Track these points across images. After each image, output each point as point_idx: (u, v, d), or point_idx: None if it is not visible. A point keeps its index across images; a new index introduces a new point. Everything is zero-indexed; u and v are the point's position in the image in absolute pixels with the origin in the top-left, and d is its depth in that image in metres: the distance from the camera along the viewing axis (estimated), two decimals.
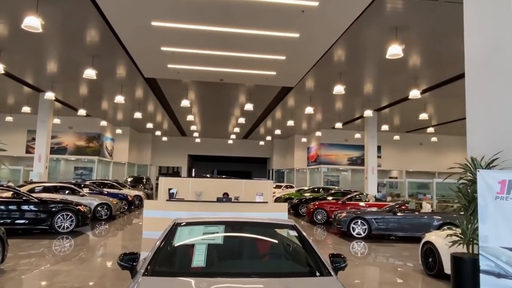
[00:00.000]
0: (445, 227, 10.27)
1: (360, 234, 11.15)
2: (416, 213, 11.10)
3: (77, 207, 10.90)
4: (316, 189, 21.72)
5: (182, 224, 4.12)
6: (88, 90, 17.51)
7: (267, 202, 11.53)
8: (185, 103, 16.39)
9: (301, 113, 21.34)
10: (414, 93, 13.75)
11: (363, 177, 28.30)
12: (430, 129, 23.13)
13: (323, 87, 15.78)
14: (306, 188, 24.69)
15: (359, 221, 11.17)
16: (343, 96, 17.05)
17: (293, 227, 4.02)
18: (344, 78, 13.71)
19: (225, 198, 11.34)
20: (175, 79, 14.74)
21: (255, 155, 36.48)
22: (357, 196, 15.23)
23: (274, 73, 11.89)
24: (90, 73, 12.32)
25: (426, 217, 10.73)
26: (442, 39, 10.11)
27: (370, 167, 20.65)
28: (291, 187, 27.47)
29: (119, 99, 16.17)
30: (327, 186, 23.61)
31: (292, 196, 20.09)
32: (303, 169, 31.44)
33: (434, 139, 26.84)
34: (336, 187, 22.70)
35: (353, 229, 11.22)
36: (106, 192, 16.40)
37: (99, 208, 13.85)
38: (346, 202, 14.52)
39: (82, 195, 13.69)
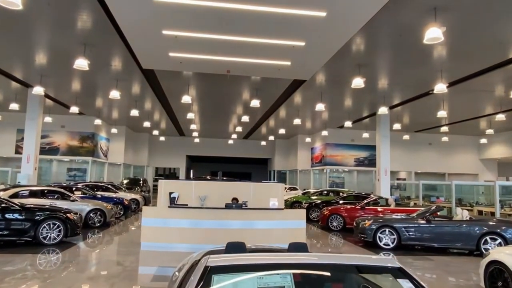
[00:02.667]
0: (488, 237, 9.03)
1: (388, 245, 9.85)
2: (453, 221, 9.80)
3: (66, 215, 9.52)
4: (325, 192, 20.44)
5: (218, 270, 2.47)
6: (80, 84, 16.11)
7: (282, 209, 10.23)
8: (186, 99, 15.03)
9: (309, 110, 20.07)
10: (440, 87, 12.49)
11: (370, 179, 27.19)
12: (444, 128, 21.90)
13: (337, 82, 14.51)
14: (312, 190, 23.46)
15: (387, 230, 9.88)
16: (357, 91, 15.79)
17: (402, 272, 2.63)
18: (363, 71, 12.43)
19: (234, 204, 10.01)
20: (176, 71, 13.40)
21: (256, 155, 35.17)
22: (377, 200, 13.92)
23: (288, 63, 10.57)
24: (81, 63, 10.95)
25: (465, 225, 9.43)
26: (485, 23, 8.85)
27: (382, 168, 19.38)
28: (295, 189, 26.19)
29: (114, 94, 14.79)
30: (337, 189, 22.32)
31: (300, 200, 18.78)
32: (306, 170, 30.16)
33: (445, 138, 25.64)
34: (346, 190, 21.42)
35: (380, 239, 9.93)
36: (99, 196, 15.01)
37: (91, 215, 12.48)
38: (365, 207, 13.21)
39: (73, 200, 12.30)
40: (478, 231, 9.22)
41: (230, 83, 14.98)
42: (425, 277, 7.31)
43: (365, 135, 24.13)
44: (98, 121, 22.39)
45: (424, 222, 9.70)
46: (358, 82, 12.11)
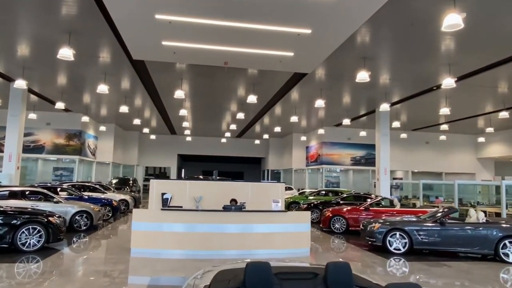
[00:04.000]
0: (507, 241, 8.39)
1: (399, 250, 9.16)
2: (468, 223, 9.14)
3: (48, 218, 8.64)
4: (323, 192, 19.77)
5: None
6: (66, 78, 15.15)
7: (286, 211, 9.47)
8: (178, 94, 14.18)
9: (306, 107, 19.36)
10: (448, 82, 11.88)
11: (367, 178, 26.61)
12: (444, 126, 21.37)
13: (338, 76, 13.82)
14: (308, 190, 22.79)
15: (398, 233, 9.19)
16: (358, 87, 15.14)
17: None
18: (368, 65, 11.74)
19: (233, 206, 9.22)
20: (168, 64, 12.57)
21: (249, 154, 34.38)
22: (380, 200, 13.25)
23: (291, 54, 9.81)
24: (66, 53, 10.05)
25: (481, 228, 8.79)
26: (508, 10, 8.21)
27: (382, 167, 18.76)
28: (290, 188, 25.45)
29: (102, 89, 13.89)
30: (335, 189, 21.68)
31: (298, 200, 18.06)
32: (301, 169, 29.48)
33: (442, 137, 25.18)
34: (345, 190, 20.77)
35: (390, 243, 9.23)
36: (86, 197, 14.09)
37: (77, 217, 11.58)
38: (369, 208, 12.53)
39: (57, 202, 11.37)
40: (496, 235, 8.59)
41: (226, 78, 14.19)
42: None
43: (363, 133, 23.54)
44: (85, 118, 21.38)
45: (438, 224, 9.02)
46: (363, 76, 11.41)
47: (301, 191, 22.67)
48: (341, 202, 15.31)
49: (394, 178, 28.27)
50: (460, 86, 14.04)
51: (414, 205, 16.05)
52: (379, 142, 19.02)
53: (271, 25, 8.18)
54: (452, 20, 7.49)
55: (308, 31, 8.39)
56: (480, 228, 8.80)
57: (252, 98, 14.76)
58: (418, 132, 26.43)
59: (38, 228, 8.41)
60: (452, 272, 7.69)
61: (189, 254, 8.39)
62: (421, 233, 9.02)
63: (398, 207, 12.69)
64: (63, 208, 11.24)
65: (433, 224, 9.06)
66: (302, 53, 9.85)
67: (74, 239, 10.53)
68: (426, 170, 27.74)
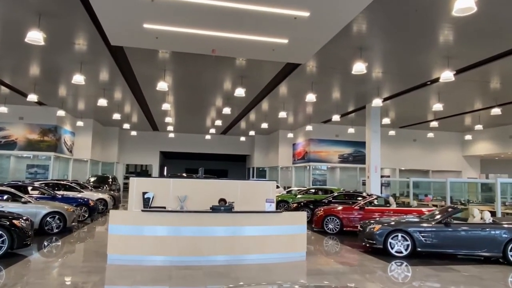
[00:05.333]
0: None
1: (401, 252, 8.52)
2: (474, 224, 8.55)
3: (12, 221, 7.63)
4: (313, 190, 19.12)
5: None
6: (38, 67, 13.99)
7: (281, 212, 8.69)
8: (161, 86, 13.23)
9: (295, 102, 18.65)
10: (447, 75, 11.33)
11: (354, 176, 26.14)
12: (434, 123, 21.02)
13: (330, 69, 13.14)
14: (296, 188, 22.14)
15: (400, 235, 8.54)
16: (349, 81, 14.52)
17: None
18: (364, 56, 11.07)
19: (223, 206, 8.40)
20: (150, 53, 11.63)
21: (234, 152, 33.52)
22: (375, 199, 12.62)
23: (285, 41, 9.02)
24: (35, 36, 9.00)
25: (488, 229, 8.22)
26: None
27: (372, 165, 18.23)
28: (277, 187, 24.78)
29: (78, 79, 12.83)
30: (326, 187, 21.07)
31: (286, 199, 17.34)
32: (287, 167, 28.83)
33: (430, 134, 24.91)
34: (335, 188, 20.16)
35: (391, 245, 8.58)
36: (60, 196, 13.00)
37: (48, 219, 10.53)
38: (364, 207, 11.88)
39: (25, 202, 10.30)
40: (505, 236, 8.03)
41: (212, 69, 13.32)
42: None
43: (351, 130, 23.03)
44: (61, 113, 20.12)
45: (443, 225, 8.41)
46: (359, 67, 10.73)
47: (288, 189, 21.97)
48: (332, 201, 14.63)
49: (382, 176, 27.96)
50: (455, 81, 13.54)
51: (407, 204, 15.51)
52: (370, 139, 18.47)
53: (265, 6, 7.38)
54: (464, 4, 6.85)
55: (306, 14, 7.61)
56: (488, 229, 8.23)
57: (240, 91, 13.93)
58: (406, 130, 26.12)
59: (1, 232, 7.39)
60: (462, 277, 7.07)
61: (173, 261, 7.52)
62: (425, 234, 8.40)
63: (394, 206, 12.09)
64: (33, 209, 10.19)
65: (438, 225, 8.44)
66: (297, 41, 9.07)
67: (46, 243, 9.52)
68: (413, 168, 27.49)
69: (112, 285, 6.43)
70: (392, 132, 24.30)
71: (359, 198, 15.14)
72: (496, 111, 16.41)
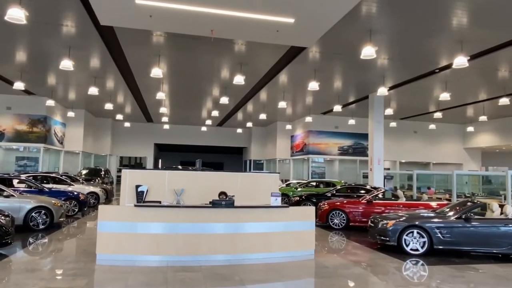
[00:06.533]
0: None
1: (417, 250, 7.87)
2: (497, 219, 7.92)
3: None
4: (315, 183, 18.50)
5: None
6: (25, 53, 13.12)
7: (287, 206, 7.98)
8: (155, 72, 12.44)
9: (296, 92, 17.92)
10: (460, 61, 10.65)
11: (354, 169, 25.50)
12: (438, 114, 20.39)
13: (334, 55, 12.42)
14: (295, 181, 21.50)
15: (415, 231, 7.89)
16: (354, 68, 13.82)
17: None
18: (375, 39, 10.33)
19: (223, 200, 7.68)
20: (143, 36, 10.81)
21: (231, 144, 32.80)
22: (383, 193, 11.97)
23: (291, 20, 8.25)
24: (16, 14, 8.17)
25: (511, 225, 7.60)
26: None
27: (376, 157, 17.59)
28: None
29: (66, 64, 12.00)
30: (327, 180, 20.43)
31: (286, 192, 16.67)
32: (286, 159, 28.17)
33: (432, 126, 24.29)
34: (337, 181, 19.52)
35: (406, 242, 7.92)
36: (47, 190, 12.21)
37: (34, 214, 9.75)
38: (372, 201, 11.23)
39: (7, 196, 9.50)
40: None
41: (210, 55, 12.53)
42: None
43: (351, 121, 22.36)
44: (50, 102, 19.23)
45: (462, 221, 7.77)
46: (369, 51, 10.02)
47: (287, 182, 21.29)
48: (336, 194, 13.98)
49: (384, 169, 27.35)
50: (463, 69, 12.83)
51: (411, 197, 14.90)
52: (373, 130, 17.81)
53: None
54: None
55: None
56: (510, 225, 7.59)
57: (239, 79, 13.17)
58: (407, 121, 25.51)
59: None
60: (489, 278, 6.42)
61: (170, 261, 6.81)
62: (443, 230, 7.74)
63: (403, 200, 11.45)
64: (16, 204, 9.40)
65: (457, 220, 7.79)
66: (304, 20, 8.31)
67: (29, 240, 8.76)
68: (413, 160, 26.95)
69: (102, 285, 5.71)
70: (393, 124, 23.67)
71: (363, 191, 14.55)
72: (504, 101, 15.80)
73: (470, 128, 24.82)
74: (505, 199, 14.37)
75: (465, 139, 26.99)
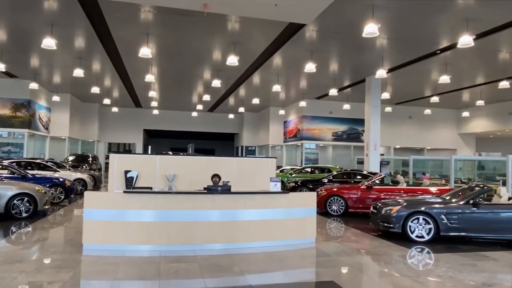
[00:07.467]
0: None
1: (422, 237, 7.51)
2: (506, 204, 7.58)
3: None
4: (310, 169, 18.12)
5: None
6: (4, 31, 12.28)
7: (287, 192, 7.51)
8: (144, 52, 11.76)
9: (291, 75, 17.36)
10: (466, 40, 10.19)
11: (348, 154, 25.17)
12: (435, 98, 20.04)
13: (334, 35, 11.85)
14: (289, 167, 21.14)
15: (421, 217, 7.51)
16: (353, 48, 13.30)
17: None
18: (377, 16, 9.78)
19: (219, 186, 7.17)
20: (131, 11, 10.10)
21: (222, 130, 32.21)
22: (382, 178, 11.59)
23: None
24: None
25: None
26: None
27: (372, 142, 17.23)
28: None
29: (49, 43, 11.22)
30: (322, 165, 20.08)
31: (281, 178, 16.22)
32: (278, 145, 27.72)
33: (427, 111, 24.02)
34: (332, 166, 19.18)
35: (411, 228, 7.56)
36: (31, 176, 11.58)
37: (16, 202, 9.15)
38: (372, 186, 10.85)
39: None
40: None
41: (201, 33, 11.86)
42: None
43: (346, 106, 21.88)
44: (34, 85, 18.36)
45: (470, 206, 7.41)
46: (371, 29, 9.47)
47: (280, 168, 20.87)
48: (333, 180, 13.61)
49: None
50: (464, 51, 12.47)
51: (407, 183, 14.61)
52: (369, 114, 17.40)
53: None
54: None
55: None
56: None
57: (232, 59, 12.54)
58: (402, 106, 25.15)
59: None
60: (503, 267, 6.08)
61: (162, 251, 6.33)
62: (450, 217, 7.38)
63: (403, 185, 11.09)
64: None
65: (465, 206, 7.44)
66: None
67: (13, 228, 8.21)
68: (408, 146, 26.72)
69: (89, 277, 5.23)
70: (388, 109, 23.29)
71: (359, 177, 14.21)
72: (504, 84, 15.46)
73: (466, 113, 24.55)
74: (503, 184, 14.14)
75: (459, 124, 26.80)
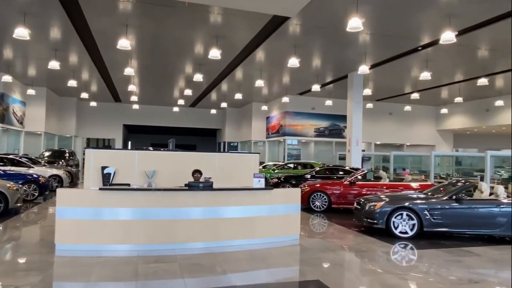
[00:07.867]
0: None
1: (406, 233, 7.47)
2: (488, 200, 7.61)
3: None
4: (292, 165, 18.03)
5: None
6: None
7: (271, 188, 7.32)
8: (123, 44, 11.36)
9: (274, 70, 17.18)
10: (448, 36, 10.22)
11: (330, 150, 25.24)
12: (415, 95, 20.24)
13: (318, 29, 11.71)
14: (271, 163, 21.01)
15: (405, 213, 7.47)
16: (336, 44, 13.23)
17: None
18: (362, 10, 9.68)
19: (201, 182, 6.92)
20: (108, 1, 9.70)
21: (204, 125, 31.83)
22: (364, 173, 11.56)
23: None
24: None
25: (504, 206, 7.30)
26: None
27: (354, 138, 17.25)
28: None
29: (22, 33, 10.67)
30: (305, 161, 20.02)
31: (264, 173, 16.07)
32: (261, 141, 27.57)
33: (407, 108, 24.31)
34: (315, 162, 19.15)
35: (395, 224, 7.51)
36: (2, 172, 11.05)
37: None
38: (355, 182, 10.80)
39: None
40: None
41: (183, 26, 11.54)
42: None
43: (328, 102, 21.91)
44: (7, 78, 17.61)
45: (453, 202, 7.41)
46: (356, 23, 9.33)
47: (263, 164, 20.72)
48: (316, 175, 13.53)
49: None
50: (445, 48, 12.60)
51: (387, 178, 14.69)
52: (351, 110, 17.41)
53: None
54: None
55: None
56: (503, 207, 7.30)
57: (215, 53, 12.27)
58: (382, 103, 25.35)
59: None
60: (486, 262, 6.08)
61: (140, 251, 6.06)
62: (433, 212, 7.36)
63: (386, 181, 11.09)
64: None
65: (448, 202, 7.43)
66: None
67: None
68: (388, 142, 27.00)
69: (62, 279, 4.93)
70: (369, 105, 23.41)
71: (342, 173, 14.19)
72: (483, 81, 15.68)
73: (444, 110, 24.98)
74: (481, 179, 14.36)
75: (438, 121, 27.23)
